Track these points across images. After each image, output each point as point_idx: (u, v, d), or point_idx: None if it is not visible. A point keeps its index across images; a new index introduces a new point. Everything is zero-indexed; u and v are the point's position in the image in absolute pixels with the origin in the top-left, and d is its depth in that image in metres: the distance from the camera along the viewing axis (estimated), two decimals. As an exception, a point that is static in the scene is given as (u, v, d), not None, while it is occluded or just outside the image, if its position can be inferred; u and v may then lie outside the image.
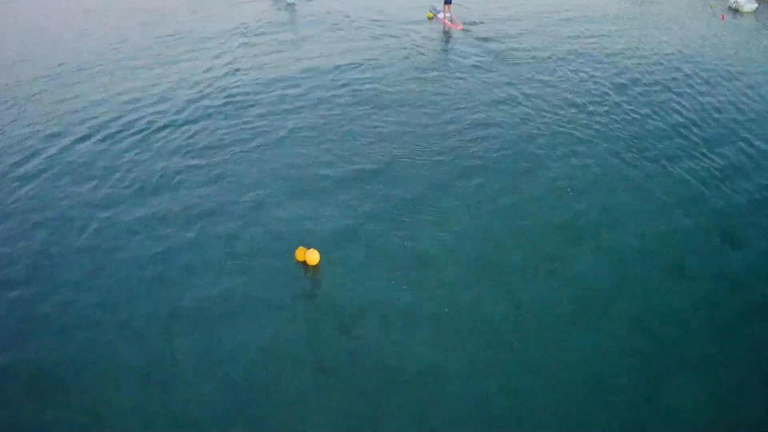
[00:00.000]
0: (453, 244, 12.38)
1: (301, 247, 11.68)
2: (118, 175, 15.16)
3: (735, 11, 36.83)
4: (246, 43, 25.75)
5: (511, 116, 18.18)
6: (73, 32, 29.58)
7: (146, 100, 19.68)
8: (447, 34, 28.07)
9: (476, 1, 32.46)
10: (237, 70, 22.36)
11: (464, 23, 28.52)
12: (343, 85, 20.49)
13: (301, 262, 11.59)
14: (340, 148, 16.28)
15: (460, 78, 21.40)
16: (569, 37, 26.60)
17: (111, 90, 20.70)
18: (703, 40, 28.67)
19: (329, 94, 19.78)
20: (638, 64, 23.46)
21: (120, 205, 13.89)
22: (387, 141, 16.60)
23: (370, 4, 32.92)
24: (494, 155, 15.88)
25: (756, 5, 37.64)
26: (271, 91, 20.07)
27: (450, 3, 29.57)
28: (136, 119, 18.21)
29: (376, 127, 17.46)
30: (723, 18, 34.48)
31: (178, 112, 18.53)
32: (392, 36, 26.59)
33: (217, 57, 24.01)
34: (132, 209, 13.70)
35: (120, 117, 18.42)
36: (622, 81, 21.32)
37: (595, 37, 27.05)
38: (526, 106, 18.97)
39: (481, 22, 28.78)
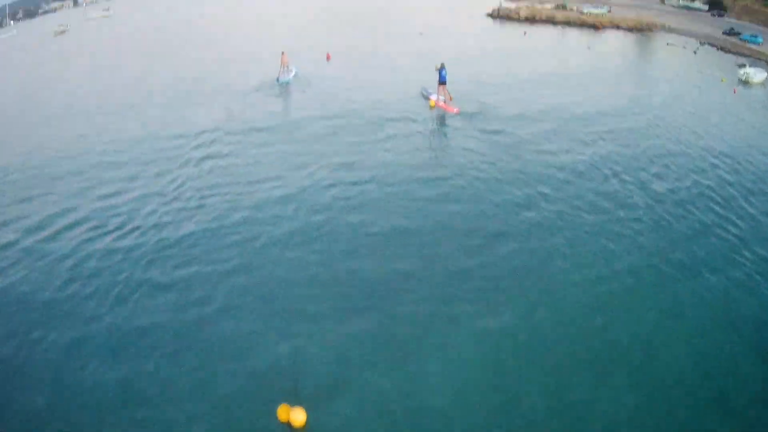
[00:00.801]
0: (462, 389, 10.61)
1: (284, 405, 9.90)
2: (80, 285, 13.92)
3: (745, 83, 36.49)
4: (232, 142, 23.86)
5: (527, 225, 16.35)
6: (41, 117, 29.48)
7: (116, 206, 18.14)
8: (442, 120, 26.60)
9: (473, 90, 31.04)
10: (216, 173, 20.68)
11: (464, 112, 27.15)
12: (334, 194, 18.40)
13: (285, 422, 9.84)
14: (330, 276, 14.10)
15: (466, 181, 19.42)
16: (582, 132, 24.71)
17: (82, 193, 19.46)
18: (723, 119, 27.67)
19: (320, 213, 17.16)
20: (663, 154, 22.11)
21: (86, 323, 12.59)
22: (382, 266, 14.39)
23: (368, 91, 31.95)
24: (508, 273, 13.97)
25: (765, 75, 37.48)
26: (252, 203, 17.90)
27: (444, 83, 28.01)
28: (104, 225, 16.86)
29: (370, 247, 15.30)
30: (735, 92, 33.80)
31: (145, 225, 16.77)
32: (392, 134, 24.42)
33: (200, 157, 22.26)
34: (96, 329, 12.37)
35: (86, 221, 17.22)
36: (648, 176, 19.81)
37: (609, 127, 25.40)
38: (543, 211, 17.11)
39: (480, 112, 27.10)
